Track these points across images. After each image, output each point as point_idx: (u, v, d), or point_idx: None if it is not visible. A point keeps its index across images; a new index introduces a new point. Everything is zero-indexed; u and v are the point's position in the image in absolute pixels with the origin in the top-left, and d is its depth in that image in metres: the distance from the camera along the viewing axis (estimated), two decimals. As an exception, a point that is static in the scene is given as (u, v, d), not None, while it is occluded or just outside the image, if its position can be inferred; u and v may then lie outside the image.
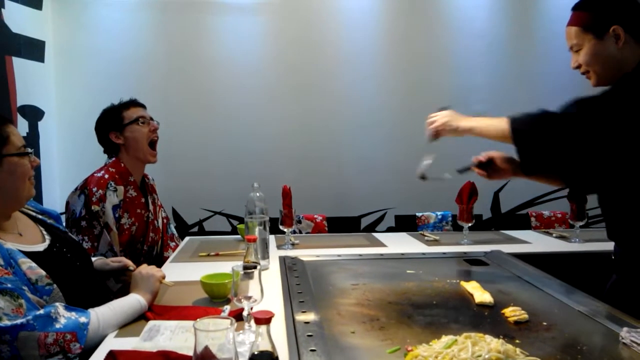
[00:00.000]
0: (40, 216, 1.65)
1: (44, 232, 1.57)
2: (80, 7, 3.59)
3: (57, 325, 1.24)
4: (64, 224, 1.89)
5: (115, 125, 2.28)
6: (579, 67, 1.59)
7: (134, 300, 1.48)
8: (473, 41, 3.92)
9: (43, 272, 1.38)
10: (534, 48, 3.93)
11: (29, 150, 1.49)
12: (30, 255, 1.39)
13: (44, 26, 3.46)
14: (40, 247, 1.49)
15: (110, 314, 1.39)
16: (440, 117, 1.86)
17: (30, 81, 3.22)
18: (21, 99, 3.08)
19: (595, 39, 1.51)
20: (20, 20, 3.13)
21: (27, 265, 1.36)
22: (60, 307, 1.29)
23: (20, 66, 3.09)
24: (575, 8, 1.58)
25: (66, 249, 1.57)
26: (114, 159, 2.28)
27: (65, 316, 1.28)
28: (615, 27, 1.49)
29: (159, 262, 2.29)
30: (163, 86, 3.66)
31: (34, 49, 3.31)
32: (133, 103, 2.34)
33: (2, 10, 2.94)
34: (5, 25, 2.96)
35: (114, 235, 2.13)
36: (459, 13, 3.94)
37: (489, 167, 1.89)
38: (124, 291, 1.63)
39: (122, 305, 1.44)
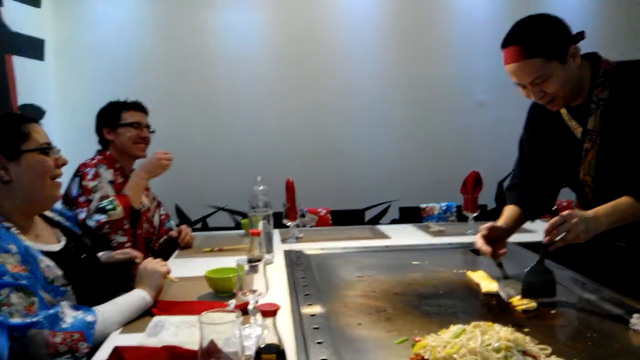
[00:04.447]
0: (57, 218, 1.66)
1: (60, 234, 1.58)
2: (79, 4, 3.56)
3: (64, 325, 1.24)
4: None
5: (111, 122, 2.34)
6: (543, 97, 1.53)
7: (138, 297, 1.47)
8: (474, 30, 3.88)
9: (60, 272, 1.38)
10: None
11: (55, 148, 1.49)
12: (46, 254, 1.40)
13: (43, 24, 3.44)
14: (56, 247, 1.50)
15: (115, 311, 1.38)
16: (573, 227, 1.40)
17: (30, 80, 3.20)
18: (22, 98, 3.07)
19: (560, 64, 1.47)
20: (19, 19, 3.11)
21: (46, 263, 1.37)
22: (66, 307, 1.29)
23: (20, 65, 3.07)
24: (523, 42, 1.48)
25: (80, 251, 1.58)
26: (102, 151, 2.36)
27: (71, 315, 1.28)
28: (572, 46, 1.49)
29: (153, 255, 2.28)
30: (164, 81, 3.64)
31: (33, 47, 3.29)
32: (135, 106, 2.39)
33: (1, 8, 2.92)
34: (3, 24, 2.94)
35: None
36: (459, 1, 3.90)
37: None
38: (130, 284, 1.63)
39: (127, 301, 1.44)
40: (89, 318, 1.29)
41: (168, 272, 1.63)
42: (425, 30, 3.88)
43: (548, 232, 1.43)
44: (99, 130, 2.37)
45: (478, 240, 1.67)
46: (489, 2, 3.90)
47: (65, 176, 1.66)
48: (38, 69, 3.34)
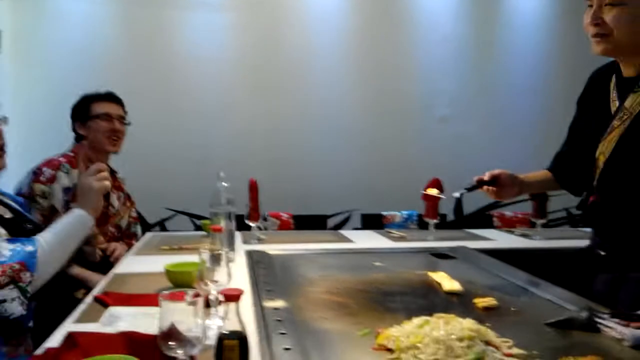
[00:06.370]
0: (7, 201, 1.58)
1: (8, 213, 1.51)
2: (41, -4, 3.47)
3: (2, 259, 1.22)
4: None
5: (81, 115, 2.23)
6: (597, 25, 1.34)
7: (76, 215, 1.44)
8: (438, 47, 3.99)
9: (4, 231, 1.34)
10: (496, 54, 4.03)
11: None
12: None
13: (2, 15, 3.33)
14: (6, 214, 1.45)
15: (55, 235, 1.36)
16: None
17: (-16, 71, 3.09)
18: (-26, 89, 2.95)
19: None
20: (-24, 7, 3.00)
21: None
22: (2, 241, 1.26)
23: (-26, 55, 2.96)
24: None
25: (29, 225, 1.52)
26: (77, 144, 2.24)
27: (9, 248, 1.25)
28: None
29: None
30: (124, 80, 3.54)
31: (-11, 38, 3.18)
32: (107, 97, 2.28)
33: (-44, -5, 2.81)
34: (-42, 11, 2.83)
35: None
36: (425, 19, 4.00)
37: (494, 185, 1.72)
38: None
39: (64, 223, 1.42)
40: (29, 248, 1.27)
41: (105, 189, 1.55)
42: (391, 44, 3.97)
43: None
44: (73, 125, 2.25)
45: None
46: (452, 22, 4.01)
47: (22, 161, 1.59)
48: (-7, 59, 3.23)
